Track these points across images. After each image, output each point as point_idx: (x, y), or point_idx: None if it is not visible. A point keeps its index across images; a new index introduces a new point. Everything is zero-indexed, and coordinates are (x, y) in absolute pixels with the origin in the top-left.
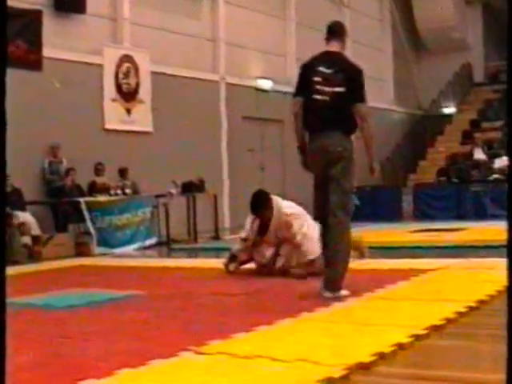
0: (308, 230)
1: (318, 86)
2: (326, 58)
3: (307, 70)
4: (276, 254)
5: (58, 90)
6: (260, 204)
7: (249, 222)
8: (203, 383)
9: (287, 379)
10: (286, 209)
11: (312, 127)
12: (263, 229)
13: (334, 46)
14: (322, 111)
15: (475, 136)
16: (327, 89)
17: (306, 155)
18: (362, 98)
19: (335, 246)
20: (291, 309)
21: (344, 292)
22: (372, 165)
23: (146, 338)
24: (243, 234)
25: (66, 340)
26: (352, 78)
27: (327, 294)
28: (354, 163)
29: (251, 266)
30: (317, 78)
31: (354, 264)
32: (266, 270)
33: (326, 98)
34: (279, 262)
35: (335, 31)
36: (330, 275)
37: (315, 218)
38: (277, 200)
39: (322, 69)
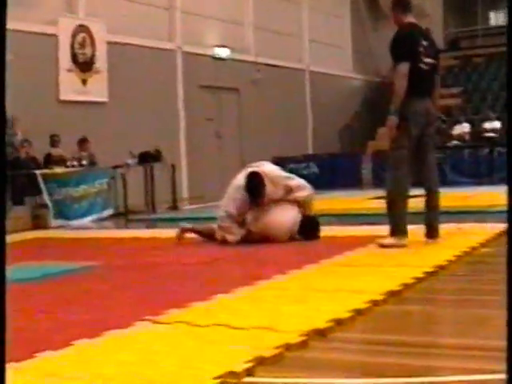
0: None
1: (422, 57)
2: (420, 30)
3: (412, 39)
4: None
5: (11, 62)
6: (260, 190)
7: (237, 199)
8: (160, 352)
9: (245, 347)
10: (277, 172)
11: (417, 92)
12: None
13: (414, 19)
14: (425, 78)
15: None
16: (427, 60)
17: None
18: (438, 71)
19: (437, 195)
20: (249, 277)
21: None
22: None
23: (103, 309)
24: (234, 211)
25: (22, 313)
26: (438, 52)
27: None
28: None
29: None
30: (421, 49)
31: None
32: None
33: (427, 67)
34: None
35: (410, 5)
36: (433, 223)
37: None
38: (265, 173)
39: (422, 41)
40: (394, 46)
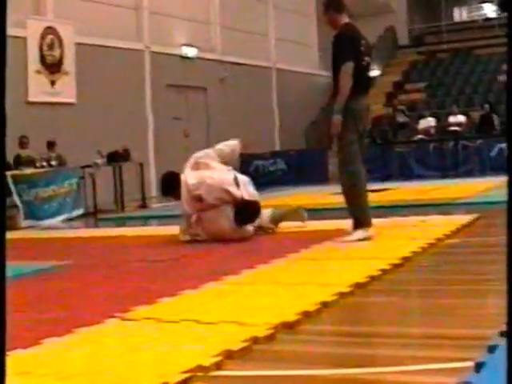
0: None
1: (363, 56)
2: (357, 29)
3: (354, 39)
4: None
5: None
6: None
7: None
8: (129, 348)
9: (213, 341)
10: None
11: (360, 89)
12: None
13: (348, 19)
14: (365, 76)
15: (395, 99)
16: (366, 58)
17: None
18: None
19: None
20: (216, 272)
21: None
22: None
23: (73, 307)
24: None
25: None
26: (372, 50)
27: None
28: None
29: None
30: (362, 48)
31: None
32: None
33: (367, 66)
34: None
35: (344, 5)
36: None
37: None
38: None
39: (361, 40)
40: (338, 47)
